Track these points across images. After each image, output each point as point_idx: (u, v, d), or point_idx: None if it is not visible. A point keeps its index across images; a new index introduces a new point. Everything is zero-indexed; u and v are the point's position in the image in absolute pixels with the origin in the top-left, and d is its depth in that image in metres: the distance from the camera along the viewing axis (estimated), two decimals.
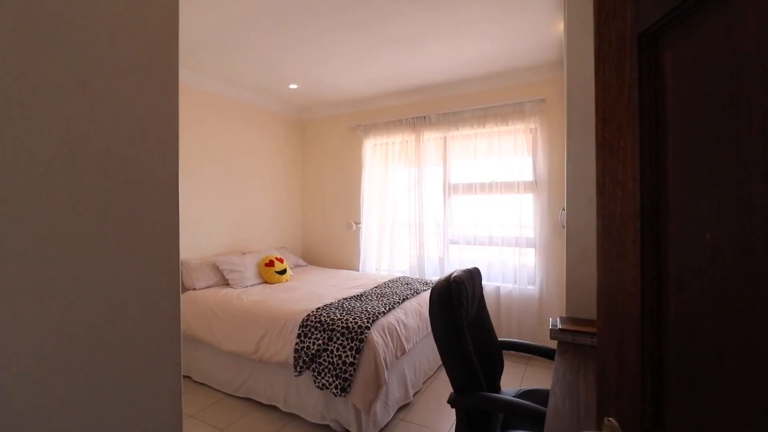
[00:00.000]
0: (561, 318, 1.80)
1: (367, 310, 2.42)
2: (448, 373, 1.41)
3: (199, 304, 2.94)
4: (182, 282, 3.20)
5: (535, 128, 3.25)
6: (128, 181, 0.79)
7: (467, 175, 3.56)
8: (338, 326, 2.24)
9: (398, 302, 2.65)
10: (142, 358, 0.82)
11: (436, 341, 1.39)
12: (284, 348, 2.36)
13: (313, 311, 2.43)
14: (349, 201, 4.29)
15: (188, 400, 2.68)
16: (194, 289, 3.11)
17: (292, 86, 3.62)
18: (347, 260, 4.32)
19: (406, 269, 3.92)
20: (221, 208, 3.63)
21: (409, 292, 2.90)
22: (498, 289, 3.38)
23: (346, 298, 2.73)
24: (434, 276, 3.74)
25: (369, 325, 2.22)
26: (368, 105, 4.11)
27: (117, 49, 0.77)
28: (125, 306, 0.79)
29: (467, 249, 3.55)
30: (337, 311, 2.42)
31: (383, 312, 2.42)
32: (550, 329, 1.68)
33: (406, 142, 3.87)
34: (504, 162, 3.38)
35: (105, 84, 0.75)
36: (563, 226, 2.25)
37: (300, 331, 2.33)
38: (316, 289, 3.07)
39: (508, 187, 3.36)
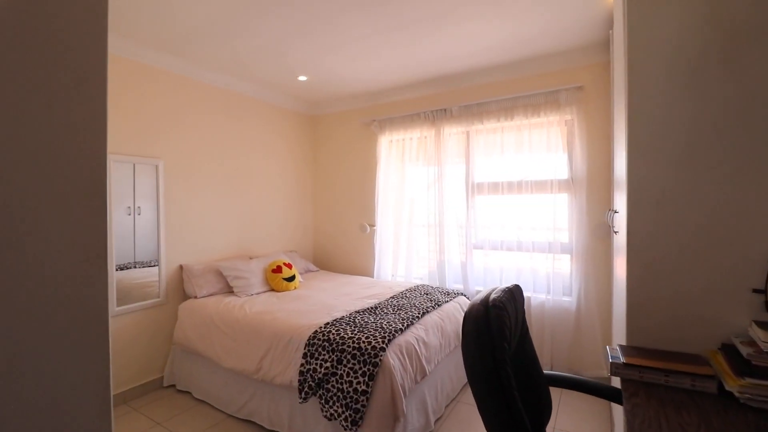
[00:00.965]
0: (622, 347, 1.46)
1: (382, 327, 2.12)
2: (484, 423, 1.10)
3: (199, 314, 2.70)
4: (184, 289, 2.98)
5: (572, 120, 2.89)
6: (38, 185, 0.54)
7: (493, 173, 3.22)
8: (349, 346, 1.95)
9: (417, 316, 2.34)
10: (53, 399, 0.57)
11: (471, 383, 1.08)
12: (288, 369, 2.08)
13: (321, 327, 2.15)
14: (363, 202, 4.00)
15: (186, 420, 2.44)
16: (196, 297, 2.87)
17: (302, 78, 3.35)
18: (361, 265, 4.03)
19: (425, 275, 3.61)
20: (227, 209, 3.39)
21: (429, 304, 2.59)
22: (529, 299, 3.03)
23: (358, 311, 2.44)
24: (456, 283, 3.41)
25: (384, 345, 1.92)
26: (383, 98, 3.82)
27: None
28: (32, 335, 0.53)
29: (493, 254, 3.21)
30: (348, 327, 2.13)
31: (401, 329, 2.12)
32: (611, 362, 1.35)
33: (425, 137, 3.55)
34: (535, 158, 3.03)
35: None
36: (615, 231, 1.91)
37: (306, 350, 2.05)
38: (326, 299, 2.79)
39: (539, 186, 3.01)
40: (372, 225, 3.90)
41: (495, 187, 3.19)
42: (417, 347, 2.09)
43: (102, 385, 0.63)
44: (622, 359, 1.36)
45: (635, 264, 1.51)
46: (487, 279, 3.21)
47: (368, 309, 2.49)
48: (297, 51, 2.77)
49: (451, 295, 2.91)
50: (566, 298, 2.92)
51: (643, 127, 1.50)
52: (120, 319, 2.63)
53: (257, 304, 2.66)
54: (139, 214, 2.73)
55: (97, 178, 0.61)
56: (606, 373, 2.77)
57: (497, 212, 3.19)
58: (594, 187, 2.82)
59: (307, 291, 3.07)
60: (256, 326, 2.35)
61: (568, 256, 2.96)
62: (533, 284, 3.03)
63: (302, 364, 2.02)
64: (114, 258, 2.56)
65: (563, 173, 2.94)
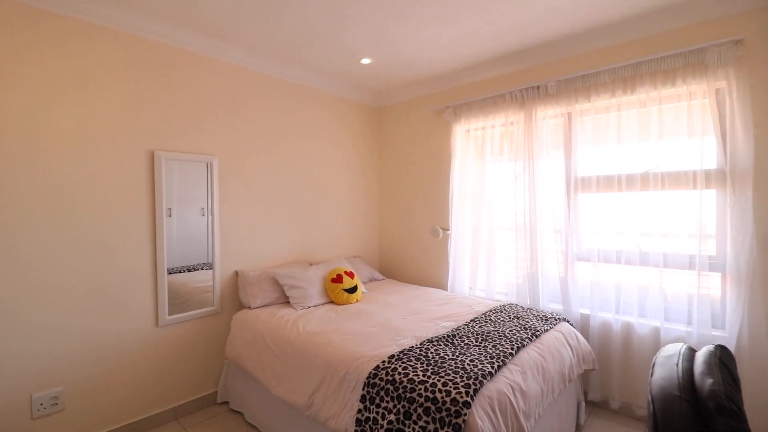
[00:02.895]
0: None
1: (464, 367, 1.59)
2: None
3: (250, 328, 2.40)
4: (239, 298, 2.73)
5: (727, 87, 2.09)
6: None
7: (604, 165, 2.50)
8: (420, 395, 1.46)
9: (511, 353, 1.77)
10: None
11: None
12: (343, 412, 1.66)
13: (384, 361, 1.68)
14: (436, 202, 3.49)
15: None
16: (250, 307, 2.60)
17: (365, 61, 2.93)
18: (433, 275, 3.51)
19: (511, 290, 2.97)
20: (285, 210, 3.11)
21: (523, 334, 2.00)
22: (656, 331, 2.29)
23: (431, 340, 1.94)
24: (552, 303, 2.74)
25: (469, 398, 1.40)
26: (458, 79, 3.26)
27: None
28: None
29: (604, 268, 2.50)
30: (419, 364, 1.64)
31: (490, 372, 1.57)
32: None
33: (511, 123, 2.93)
34: (667, 143, 2.28)
35: None
36: None
37: (365, 392, 1.60)
38: (391, 318, 2.33)
39: (675, 179, 2.25)
40: (445, 229, 3.37)
41: (608, 183, 2.48)
42: (513, 399, 1.53)
43: None
44: None
45: None
46: (594, 299, 2.51)
47: (444, 337, 1.97)
48: (356, 22, 2.34)
49: (550, 321, 2.28)
50: (717, 333, 2.13)
51: None
52: (172, 328, 2.43)
53: (312, 321, 2.29)
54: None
55: None
56: None
57: (611, 214, 2.48)
58: (765, 181, 2.00)
59: (370, 305, 2.64)
60: (307, 351, 1.97)
61: (718, 275, 2.17)
62: (664, 310, 2.28)
63: (360, 410, 1.58)
64: (165, 263, 2.37)
65: (711, 161, 2.15)
